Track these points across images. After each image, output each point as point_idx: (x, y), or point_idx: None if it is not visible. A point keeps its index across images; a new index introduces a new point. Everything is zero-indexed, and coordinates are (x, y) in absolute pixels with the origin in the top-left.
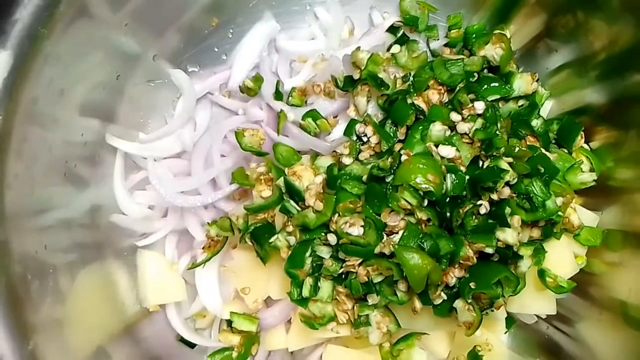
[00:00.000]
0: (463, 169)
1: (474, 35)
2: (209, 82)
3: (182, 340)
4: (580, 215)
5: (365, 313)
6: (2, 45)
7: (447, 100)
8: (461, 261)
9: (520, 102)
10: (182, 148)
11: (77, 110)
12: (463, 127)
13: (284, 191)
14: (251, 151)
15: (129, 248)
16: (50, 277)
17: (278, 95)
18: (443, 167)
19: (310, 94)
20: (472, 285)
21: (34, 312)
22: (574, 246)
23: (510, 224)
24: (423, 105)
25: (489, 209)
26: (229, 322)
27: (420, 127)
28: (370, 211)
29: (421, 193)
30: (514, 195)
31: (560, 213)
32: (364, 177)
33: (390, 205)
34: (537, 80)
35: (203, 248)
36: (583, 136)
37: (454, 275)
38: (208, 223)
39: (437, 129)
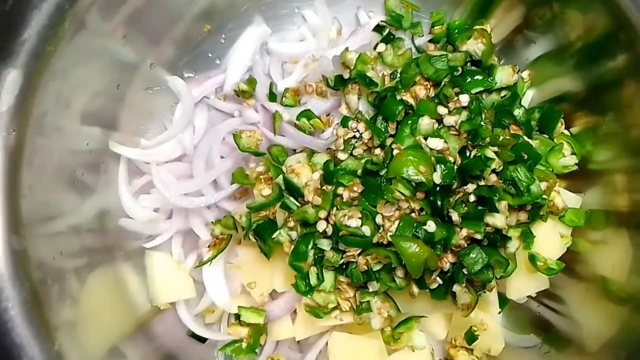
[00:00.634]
0: (452, 159)
1: (456, 31)
2: (205, 86)
3: (193, 336)
4: (564, 197)
5: (367, 300)
6: (12, 64)
7: (433, 94)
8: (453, 247)
9: (503, 93)
10: (183, 151)
11: (81, 121)
12: (450, 120)
13: (283, 188)
14: (249, 152)
15: (138, 250)
16: (67, 280)
17: (272, 97)
18: (433, 158)
19: (303, 94)
20: (464, 271)
21: (56, 315)
22: (559, 227)
23: (498, 209)
24: (411, 101)
25: (477, 196)
26: (237, 316)
27: (409, 122)
28: (367, 203)
29: (413, 184)
30: (501, 181)
31: (544, 196)
32: (359, 172)
33: (385, 197)
34: (518, 72)
35: (208, 246)
36: (563, 122)
37: (447, 261)
38: (212, 222)
39: (425, 122)
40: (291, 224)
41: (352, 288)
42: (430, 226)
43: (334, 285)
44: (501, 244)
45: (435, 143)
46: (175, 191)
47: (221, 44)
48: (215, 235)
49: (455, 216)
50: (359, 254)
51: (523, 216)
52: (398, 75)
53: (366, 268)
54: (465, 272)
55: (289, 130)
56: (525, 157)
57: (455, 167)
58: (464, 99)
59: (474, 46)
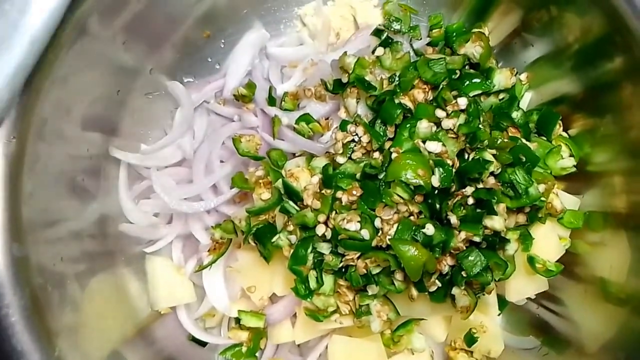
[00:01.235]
0: (450, 162)
1: (454, 34)
2: (205, 91)
3: (194, 340)
4: (562, 199)
5: (366, 303)
6: None
7: (431, 97)
8: (452, 250)
9: (501, 96)
10: (183, 156)
11: (82, 127)
12: (448, 123)
13: (282, 192)
14: (248, 156)
15: (138, 255)
16: (68, 286)
17: (271, 101)
18: (431, 161)
19: (302, 98)
20: (463, 274)
21: (57, 320)
22: (558, 229)
23: (496, 212)
24: (409, 104)
25: (475, 199)
26: (237, 320)
27: (408, 125)
28: (366, 207)
29: (412, 187)
30: (499, 184)
31: (543, 198)
32: (358, 175)
33: (384, 200)
34: (516, 75)
35: (208, 251)
36: (561, 125)
37: (446, 264)
38: (212, 227)
39: (423, 126)
40: (290, 227)
41: (351, 291)
42: (429, 229)
43: (334, 289)
44: (500, 246)
45: (434, 146)
46: (175, 196)
47: (220, 48)
48: (215, 240)
49: (453, 219)
50: (358, 258)
51: (521, 218)
52: (396, 78)
53: (365, 271)
54: (464, 275)
55: (288, 134)
56: (524, 159)
57: (454, 170)
58: (462, 102)
59: (472, 49)
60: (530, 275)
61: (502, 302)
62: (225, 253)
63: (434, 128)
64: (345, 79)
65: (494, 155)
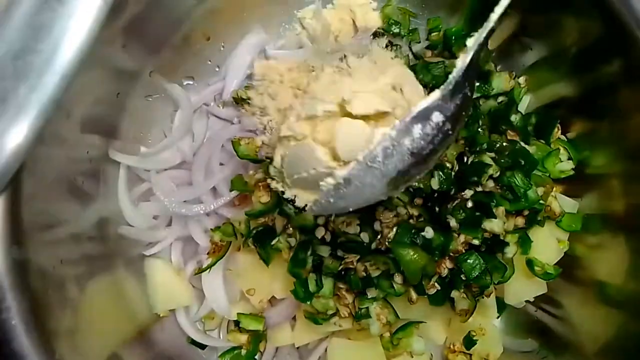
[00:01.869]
0: (449, 165)
1: (453, 38)
2: (204, 94)
3: (193, 342)
4: (561, 202)
5: (365, 306)
6: None
7: None
8: (451, 253)
9: (500, 99)
10: (182, 159)
11: (82, 129)
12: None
13: (282, 195)
14: (248, 159)
15: (137, 257)
16: (67, 289)
17: None
18: None
19: None
20: (462, 277)
21: (56, 323)
22: (556, 232)
23: (495, 215)
24: None
25: (474, 202)
26: (237, 323)
27: None
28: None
29: (411, 190)
30: (498, 187)
31: (541, 202)
32: None
33: (383, 203)
34: (514, 78)
35: (208, 253)
36: (560, 128)
37: (446, 267)
38: (211, 229)
39: None
40: (290, 230)
41: (351, 294)
42: (428, 232)
43: (333, 292)
44: (499, 249)
45: None
46: (175, 198)
47: (220, 51)
48: (214, 242)
49: (453, 222)
50: (358, 261)
51: (520, 221)
52: None
53: (365, 274)
54: (464, 278)
55: None
56: (522, 162)
57: (453, 173)
58: None
59: None
60: (529, 278)
61: (501, 305)
62: (224, 256)
63: None
64: None
65: (493, 158)
